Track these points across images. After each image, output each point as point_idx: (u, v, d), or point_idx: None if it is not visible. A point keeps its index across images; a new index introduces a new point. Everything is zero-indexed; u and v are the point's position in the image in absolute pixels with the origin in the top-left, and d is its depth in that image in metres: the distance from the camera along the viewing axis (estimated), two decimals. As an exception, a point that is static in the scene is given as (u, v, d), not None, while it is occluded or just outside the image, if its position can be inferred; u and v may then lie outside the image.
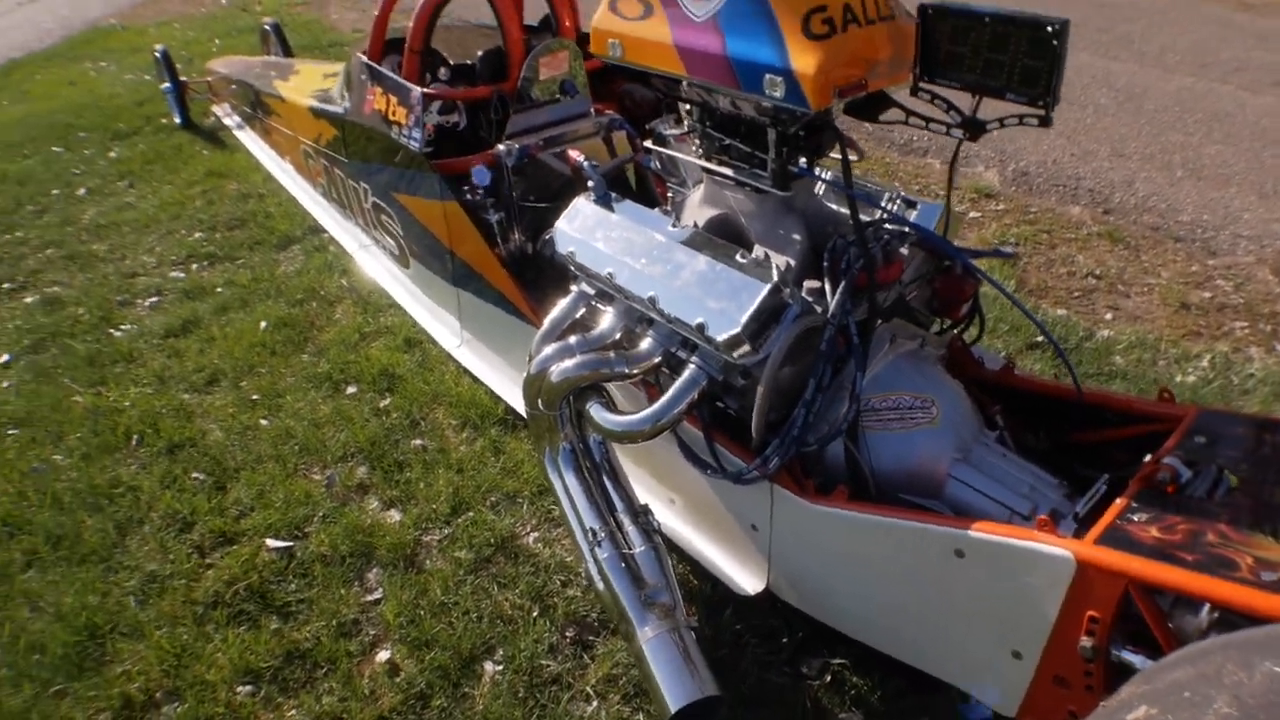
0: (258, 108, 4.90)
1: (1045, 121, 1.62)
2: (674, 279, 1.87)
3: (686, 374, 1.87)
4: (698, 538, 2.24)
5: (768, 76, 1.66)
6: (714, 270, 1.83)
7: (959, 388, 2.01)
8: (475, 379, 3.02)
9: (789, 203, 2.00)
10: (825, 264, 1.85)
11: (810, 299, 1.84)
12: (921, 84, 1.75)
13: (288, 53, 6.17)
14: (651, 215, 2.13)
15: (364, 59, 3.16)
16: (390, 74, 2.97)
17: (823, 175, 2.00)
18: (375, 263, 3.72)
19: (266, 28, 6.22)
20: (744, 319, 1.72)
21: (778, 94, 1.65)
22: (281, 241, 4.33)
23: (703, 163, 2.09)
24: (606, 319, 2.07)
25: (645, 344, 1.96)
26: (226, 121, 5.68)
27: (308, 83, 4.31)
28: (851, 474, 1.92)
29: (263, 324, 3.55)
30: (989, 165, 4.97)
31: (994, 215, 4.43)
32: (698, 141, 2.09)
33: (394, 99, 2.91)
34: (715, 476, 1.97)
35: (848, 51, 1.64)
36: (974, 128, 1.75)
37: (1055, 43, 1.50)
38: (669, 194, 2.41)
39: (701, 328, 1.78)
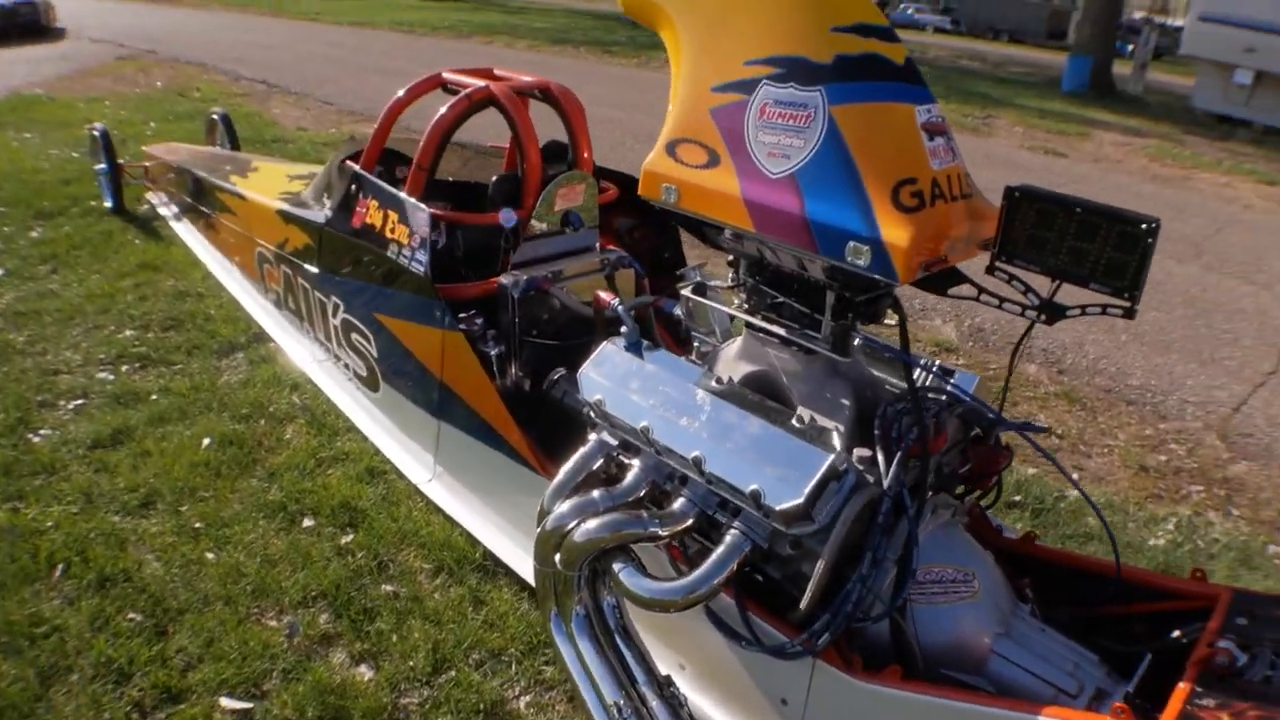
0: (204, 201, 4.73)
1: (1130, 314, 1.63)
2: (724, 440, 1.81)
3: (729, 541, 1.78)
4: (714, 709, 2.10)
5: (852, 244, 1.63)
6: (769, 434, 1.79)
7: (990, 559, 1.99)
8: (449, 519, 2.85)
9: (836, 366, 1.97)
10: (877, 432, 1.82)
11: (861, 468, 1.80)
12: (999, 263, 1.75)
13: (235, 145, 6.04)
14: (686, 367, 2.07)
15: (356, 168, 3.08)
16: (392, 189, 2.88)
17: (875, 341, 2.00)
18: (332, 382, 3.55)
19: (214, 117, 6.09)
20: (807, 489, 1.66)
21: (861, 263, 1.62)
22: (223, 348, 4.10)
23: (747, 317, 2.05)
24: (632, 474, 1.97)
25: (679, 504, 1.87)
26: (163, 211, 5.47)
27: (271, 182, 4.19)
28: (897, 650, 1.86)
29: (205, 440, 3.31)
30: (945, 319, 5.16)
31: (959, 365, 4.56)
32: (742, 295, 2.06)
33: (393, 216, 2.82)
34: (751, 649, 1.87)
35: (934, 226, 1.64)
36: (1052, 311, 1.76)
37: (1149, 240, 1.54)
38: (694, 344, 2.37)
39: (756, 495, 1.71)
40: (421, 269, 2.69)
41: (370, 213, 2.93)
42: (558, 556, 1.93)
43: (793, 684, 1.91)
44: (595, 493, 1.95)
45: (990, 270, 1.79)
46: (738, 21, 1.78)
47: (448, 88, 3.16)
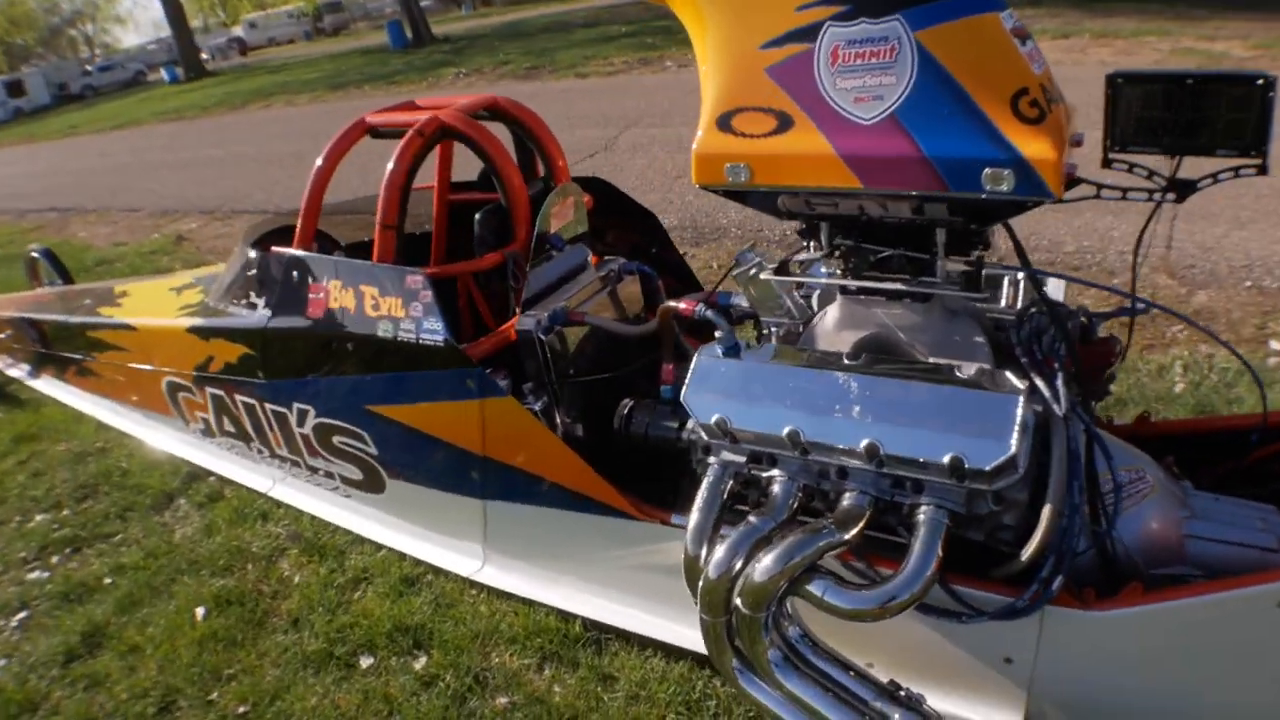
0: (68, 347, 4.11)
1: (1263, 169, 1.58)
2: (894, 418, 1.68)
3: (927, 520, 1.65)
4: (931, 695, 1.91)
5: (988, 171, 1.50)
6: (941, 395, 1.67)
7: (1136, 449, 1.96)
8: (525, 601, 2.53)
9: (952, 305, 1.85)
10: (1025, 358, 1.74)
11: None
12: (1113, 154, 1.66)
13: (68, 279, 5.34)
14: (791, 354, 1.90)
15: (294, 253, 2.68)
16: (362, 261, 2.50)
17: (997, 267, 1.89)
18: (313, 498, 3.12)
19: (35, 255, 5.34)
20: (1014, 439, 1.57)
21: (1004, 188, 1.50)
22: (158, 501, 3.55)
23: (846, 281, 1.89)
24: (778, 486, 1.81)
25: (850, 500, 1.73)
26: (13, 373, 4.74)
27: (155, 302, 3.66)
28: (1105, 568, 1.81)
29: (198, 611, 2.82)
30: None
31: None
32: (834, 260, 1.91)
33: (371, 290, 2.44)
34: (973, 621, 1.74)
35: (1059, 131, 1.51)
36: (1181, 189, 1.70)
37: (1266, 94, 1.49)
38: (766, 331, 2.13)
39: (958, 462, 1.58)
40: (437, 338, 2.32)
41: (334, 295, 2.53)
42: (737, 602, 1.73)
43: (1015, 640, 1.79)
44: (752, 520, 1.76)
45: (1106, 163, 1.71)
46: None
47: (378, 132, 2.79)
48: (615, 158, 7.99)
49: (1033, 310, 1.82)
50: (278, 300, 2.72)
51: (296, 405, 2.86)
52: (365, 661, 2.51)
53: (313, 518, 3.14)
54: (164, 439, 3.78)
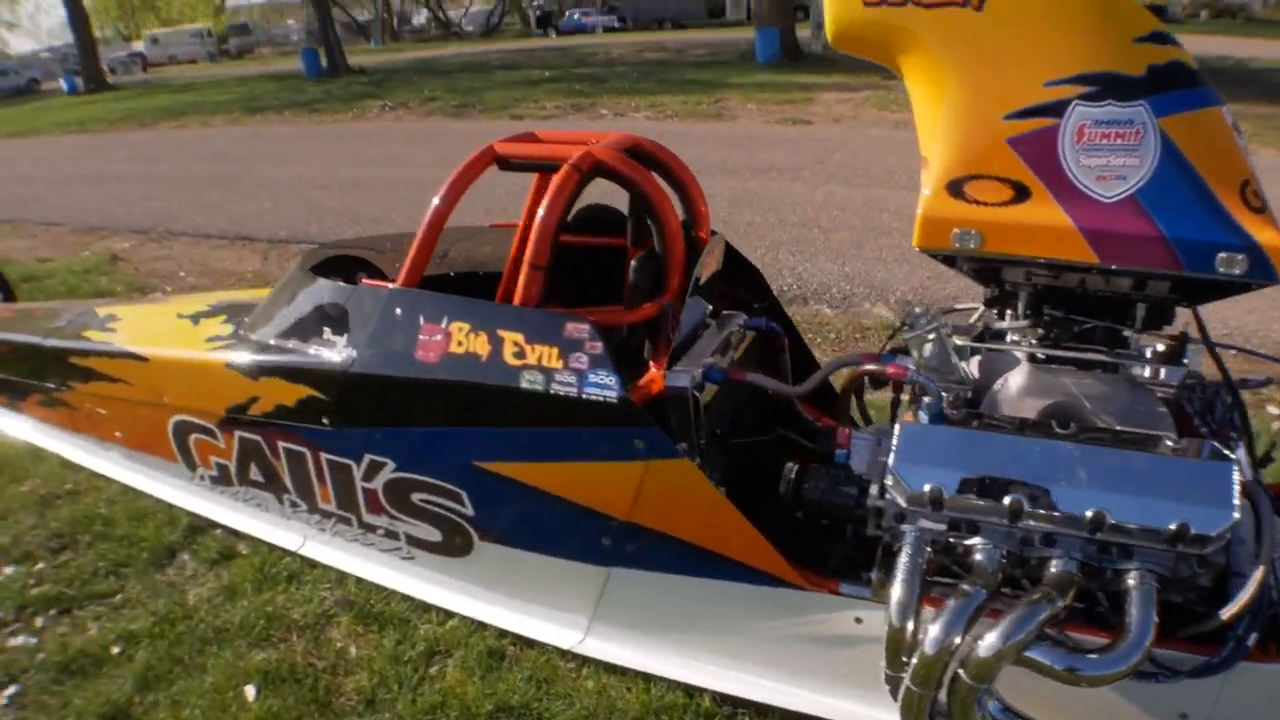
0: (28, 373, 3.58)
1: None
2: (1119, 487, 1.68)
3: (1140, 585, 1.65)
4: None
5: (1223, 255, 1.59)
6: (1164, 465, 1.69)
7: None
8: (642, 675, 2.26)
9: (1135, 377, 1.90)
10: (1205, 428, 1.87)
11: None
12: None
13: (10, 296, 4.74)
14: (1003, 422, 1.89)
15: (410, 290, 2.35)
16: (501, 304, 2.25)
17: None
18: (365, 560, 2.74)
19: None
20: (1236, 506, 1.60)
21: (1237, 271, 1.59)
22: (157, 556, 3.07)
23: (1043, 350, 1.93)
24: (983, 555, 1.77)
25: (1059, 566, 1.72)
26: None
27: (163, 331, 3.21)
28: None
29: (248, 690, 2.40)
30: (874, 302, 5.08)
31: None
32: (1029, 328, 1.96)
33: (515, 336, 2.13)
34: (1167, 681, 1.72)
35: (1275, 219, 1.61)
36: None
37: None
38: (921, 394, 1.99)
39: (1183, 529, 1.61)
40: (609, 394, 2.04)
41: (458, 339, 2.21)
42: (960, 673, 1.67)
43: (1194, 697, 1.78)
44: (966, 590, 1.70)
45: None
46: (1028, 43, 1.64)
47: (509, 164, 2.48)
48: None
49: (1192, 381, 1.92)
50: (371, 340, 2.37)
51: (369, 457, 2.50)
52: (467, 750, 2.17)
53: (359, 581, 2.76)
54: (155, 484, 3.30)
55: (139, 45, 39.34)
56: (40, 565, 3.09)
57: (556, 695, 2.29)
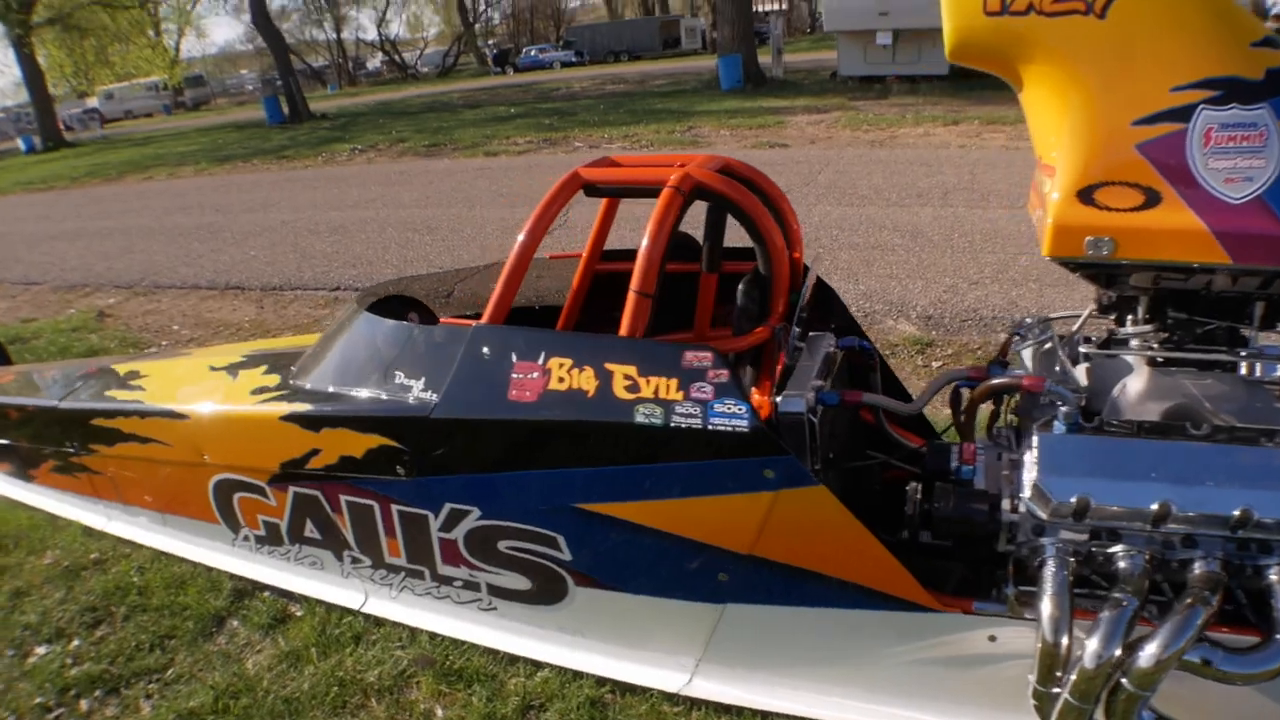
0: (40, 438, 3.36)
1: None
2: (1262, 483, 1.69)
3: None
4: None
5: None
6: None
7: None
8: (757, 712, 2.14)
9: (1251, 376, 1.92)
10: None
11: None
12: None
13: (5, 359, 4.49)
14: (1127, 429, 1.89)
15: (503, 326, 2.20)
16: (605, 336, 2.09)
17: None
18: (429, 614, 2.57)
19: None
20: None
21: None
22: (205, 625, 2.85)
23: (1165, 353, 1.92)
24: (1127, 561, 1.77)
25: (1202, 567, 1.73)
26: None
27: (198, 386, 3.01)
28: None
29: (337, 765, 2.21)
30: (895, 319, 5.00)
31: (948, 358, 4.40)
32: (1150, 332, 1.94)
33: (625, 369, 1.99)
34: None
35: None
36: None
37: None
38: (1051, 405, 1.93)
39: None
40: (740, 424, 1.90)
41: (559, 376, 2.05)
42: (1125, 683, 1.68)
43: None
44: (1119, 599, 1.70)
45: None
46: (1152, 49, 1.65)
47: (595, 189, 2.35)
48: (573, 235, 7.63)
49: None
50: (455, 382, 2.20)
51: (450, 506, 2.33)
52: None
53: (432, 636, 2.57)
54: (193, 548, 3.09)
55: (94, 101, 38.69)
56: (75, 643, 2.86)
57: None
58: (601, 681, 2.33)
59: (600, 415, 2.02)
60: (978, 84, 15.89)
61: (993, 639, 1.95)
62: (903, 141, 11.32)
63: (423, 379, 2.26)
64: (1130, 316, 1.96)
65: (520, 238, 2.26)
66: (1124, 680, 1.67)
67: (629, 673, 2.28)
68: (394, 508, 2.44)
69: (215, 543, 3.02)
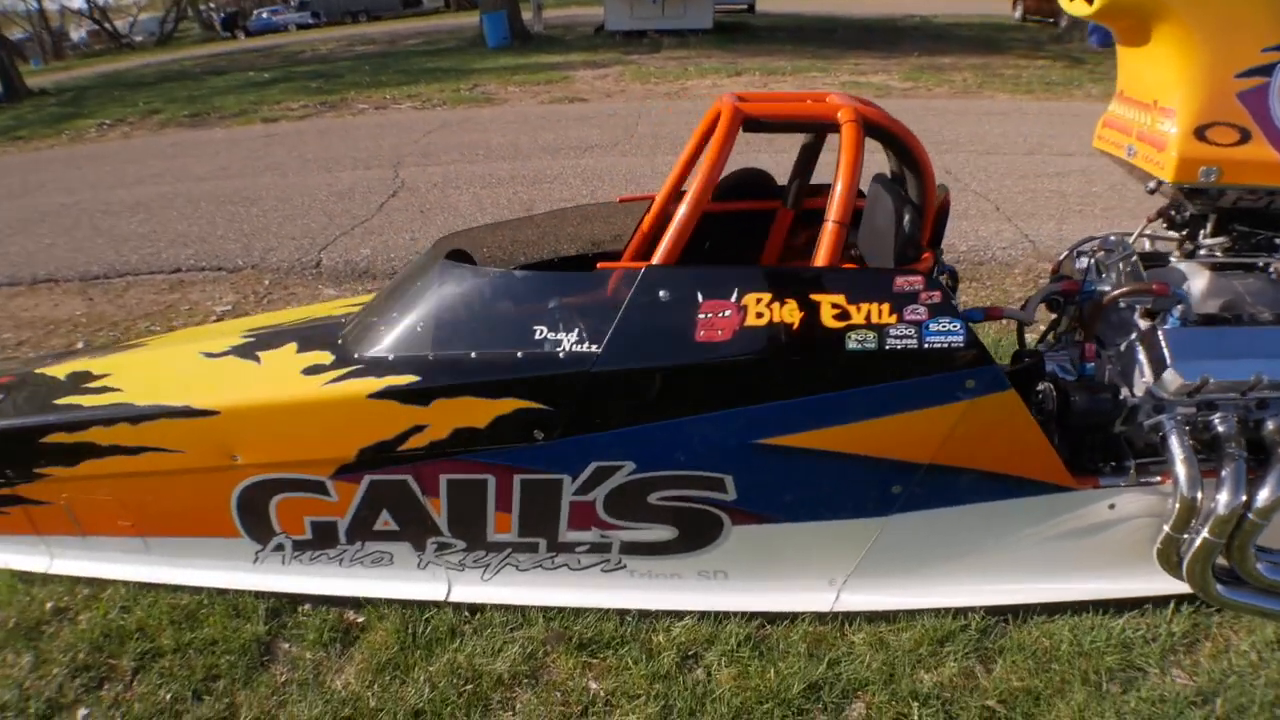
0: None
1: None
2: None
3: None
4: None
5: None
6: None
7: None
8: (908, 613, 2.22)
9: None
10: None
11: None
12: None
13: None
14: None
15: (685, 267, 2.06)
16: (806, 268, 2.05)
17: None
18: (541, 588, 2.36)
19: None
20: None
21: None
22: (248, 654, 2.40)
23: (1226, 258, 2.23)
24: (1224, 424, 2.07)
25: (1272, 424, 2.06)
26: None
27: (203, 375, 2.51)
28: None
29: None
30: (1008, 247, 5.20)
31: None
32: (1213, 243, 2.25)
33: (832, 298, 1.94)
34: None
35: None
36: None
37: None
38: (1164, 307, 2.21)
39: None
40: (956, 339, 1.94)
41: (756, 311, 1.94)
42: (1250, 515, 2.00)
43: None
44: (1233, 454, 2.02)
45: None
46: (1249, 15, 1.94)
47: (757, 124, 2.16)
48: (421, 198, 7.09)
49: None
50: (623, 330, 2.00)
51: (595, 465, 2.12)
52: None
53: (545, 611, 2.35)
54: (196, 571, 2.59)
55: None
56: (83, 711, 2.30)
57: (839, 661, 2.12)
58: (749, 617, 2.25)
59: (806, 346, 1.97)
60: (740, 38, 16.57)
61: (1112, 507, 2.17)
62: (695, 93, 11.54)
63: (575, 330, 2.04)
64: (1201, 232, 2.25)
65: (695, 177, 2.13)
66: (1249, 514, 1.99)
67: (776, 602, 2.26)
68: (517, 478, 2.18)
69: (230, 560, 2.55)
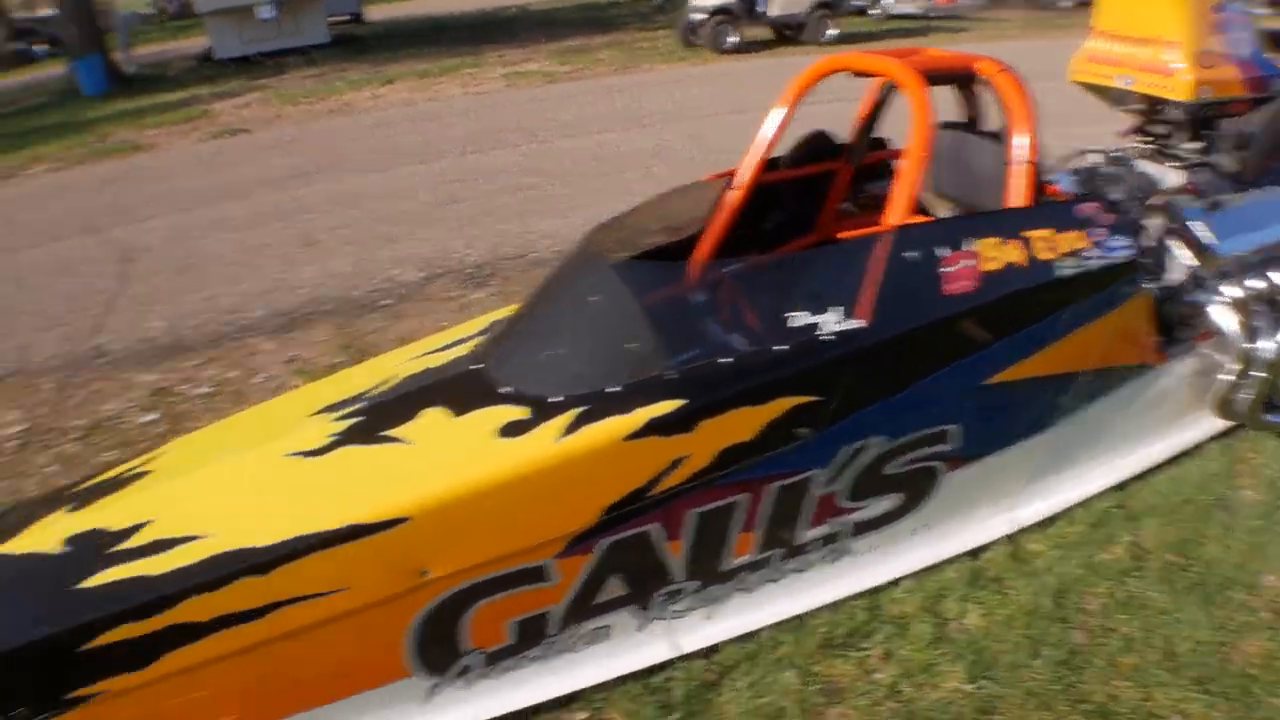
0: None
1: None
2: None
3: None
4: None
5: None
6: None
7: None
8: (1066, 514, 2.39)
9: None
10: None
11: None
12: None
13: None
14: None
15: (919, 223, 2.03)
16: (1013, 209, 2.13)
17: None
18: (778, 603, 2.11)
19: None
20: None
21: None
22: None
23: (1197, 158, 2.74)
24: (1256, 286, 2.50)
25: None
26: None
27: (313, 483, 1.84)
28: None
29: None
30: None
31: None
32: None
33: (1042, 233, 2.08)
34: None
35: None
36: None
37: None
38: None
39: None
40: (1132, 252, 2.23)
41: (988, 256, 1.98)
42: None
43: None
44: (1265, 309, 2.45)
45: None
46: None
47: (937, 78, 2.26)
48: (166, 256, 5.64)
49: None
50: (881, 298, 1.88)
51: (845, 449, 1.96)
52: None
53: (776, 625, 2.11)
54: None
55: None
56: None
57: (1039, 571, 2.24)
58: (953, 560, 2.26)
59: (1032, 281, 2.05)
60: (364, 48, 15.52)
61: (1178, 374, 2.52)
62: (362, 107, 10.60)
63: (839, 307, 1.85)
64: (1181, 137, 2.72)
65: (917, 137, 2.10)
66: None
67: (972, 538, 2.27)
68: (769, 487, 1.93)
69: (390, 711, 1.88)
